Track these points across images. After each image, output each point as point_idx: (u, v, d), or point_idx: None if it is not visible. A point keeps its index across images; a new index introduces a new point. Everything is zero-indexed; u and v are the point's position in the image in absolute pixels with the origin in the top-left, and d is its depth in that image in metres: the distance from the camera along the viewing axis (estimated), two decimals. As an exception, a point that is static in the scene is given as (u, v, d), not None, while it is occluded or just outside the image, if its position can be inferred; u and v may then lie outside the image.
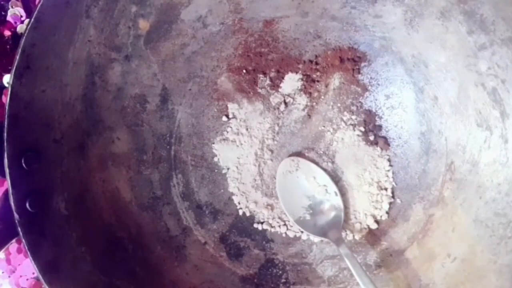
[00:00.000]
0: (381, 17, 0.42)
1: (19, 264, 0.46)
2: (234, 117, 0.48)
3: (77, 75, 0.39)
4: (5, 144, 0.34)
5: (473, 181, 0.40)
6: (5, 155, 0.34)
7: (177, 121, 0.47)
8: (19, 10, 0.48)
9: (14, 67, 0.34)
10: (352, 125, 0.47)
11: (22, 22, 0.48)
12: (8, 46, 0.48)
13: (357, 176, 0.46)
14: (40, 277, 0.34)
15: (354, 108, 0.47)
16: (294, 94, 0.48)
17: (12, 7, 0.48)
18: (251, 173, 0.48)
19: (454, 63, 0.40)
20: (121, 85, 0.43)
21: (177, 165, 0.48)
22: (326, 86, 0.47)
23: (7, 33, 0.48)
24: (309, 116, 0.48)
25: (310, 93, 0.47)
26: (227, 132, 0.48)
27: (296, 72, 0.47)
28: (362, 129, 0.47)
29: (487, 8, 0.35)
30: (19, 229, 0.34)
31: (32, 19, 0.34)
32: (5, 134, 0.34)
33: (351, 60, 0.46)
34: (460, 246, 0.40)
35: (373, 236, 0.46)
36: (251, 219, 0.48)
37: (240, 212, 0.48)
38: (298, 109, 0.48)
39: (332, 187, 0.46)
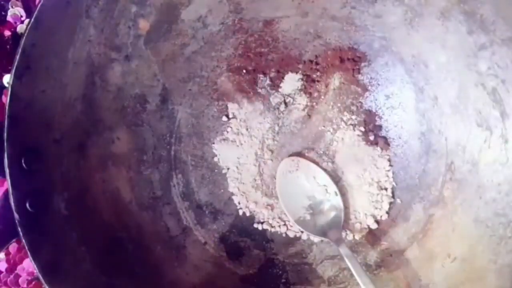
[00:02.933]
0: (381, 17, 0.42)
1: (19, 264, 0.46)
2: (234, 117, 0.48)
3: (77, 75, 0.39)
4: (5, 144, 0.34)
5: (473, 181, 0.40)
6: (5, 155, 0.34)
7: (177, 121, 0.47)
8: (19, 10, 0.48)
9: (14, 67, 0.34)
10: (352, 125, 0.47)
11: (22, 22, 0.48)
12: (8, 46, 0.48)
13: (357, 176, 0.46)
14: (40, 277, 0.34)
15: (354, 108, 0.47)
16: (294, 94, 0.48)
17: (12, 7, 0.48)
18: (251, 173, 0.48)
19: (454, 63, 0.40)
20: (121, 85, 0.43)
21: (177, 165, 0.48)
22: (326, 86, 0.47)
23: (7, 33, 0.48)
24: (309, 116, 0.48)
25: (310, 93, 0.47)
26: (227, 132, 0.48)
27: (296, 72, 0.47)
28: (362, 129, 0.47)
29: (487, 8, 0.35)
30: (19, 229, 0.34)
31: (32, 19, 0.34)
32: (5, 134, 0.34)
33: (351, 60, 0.46)
34: (460, 246, 0.40)
35: (373, 236, 0.46)
36: (251, 219, 0.48)
37: (240, 212, 0.48)
38: (298, 109, 0.48)
39: (332, 187, 0.46)
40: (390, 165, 0.46)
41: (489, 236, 0.38)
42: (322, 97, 0.47)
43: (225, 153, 0.48)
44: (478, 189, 0.39)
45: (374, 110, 0.47)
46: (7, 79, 0.46)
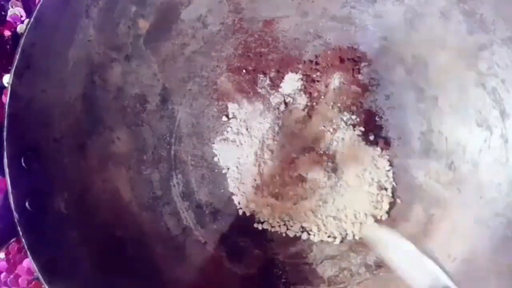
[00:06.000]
0: (381, 17, 0.42)
1: (19, 264, 0.46)
2: (234, 117, 0.48)
3: (77, 75, 0.39)
4: (5, 144, 0.34)
5: (473, 181, 0.40)
6: (5, 155, 0.34)
7: (177, 121, 0.47)
8: (19, 10, 0.48)
9: (14, 67, 0.34)
10: (352, 125, 0.47)
11: (22, 22, 0.48)
12: (8, 46, 0.48)
13: (357, 176, 0.46)
14: (40, 277, 0.34)
15: (354, 108, 0.47)
16: (294, 94, 0.48)
17: (12, 7, 0.48)
18: (251, 173, 0.48)
19: (454, 63, 0.40)
20: (121, 85, 0.43)
21: (177, 165, 0.47)
22: (326, 86, 0.47)
23: (7, 33, 0.48)
24: (309, 116, 0.48)
25: (310, 93, 0.47)
26: (227, 132, 0.48)
27: (296, 72, 0.47)
28: (362, 129, 0.47)
29: (487, 8, 0.35)
30: (19, 229, 0.34)
31: (32, 19, 0.34)
32: (5, 134, 0.34)
33: (351, 60, 0.46)
34: (460, 246, 0.40)
35: (373, 236, 0.46)
36: (251, 219, 0.48)
37: (240, 212, 0.48)
38: (298, 109, 0.48)
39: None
40: (390, 165, 0.46)
41: (489, 236, 0.38)
42: (322, 97, 0.47)
43: (225, 153, 0.48)
44: (478, 189, 0.39)
45: (374, 110, 0.47)
46: (7, 79, 0.46)
